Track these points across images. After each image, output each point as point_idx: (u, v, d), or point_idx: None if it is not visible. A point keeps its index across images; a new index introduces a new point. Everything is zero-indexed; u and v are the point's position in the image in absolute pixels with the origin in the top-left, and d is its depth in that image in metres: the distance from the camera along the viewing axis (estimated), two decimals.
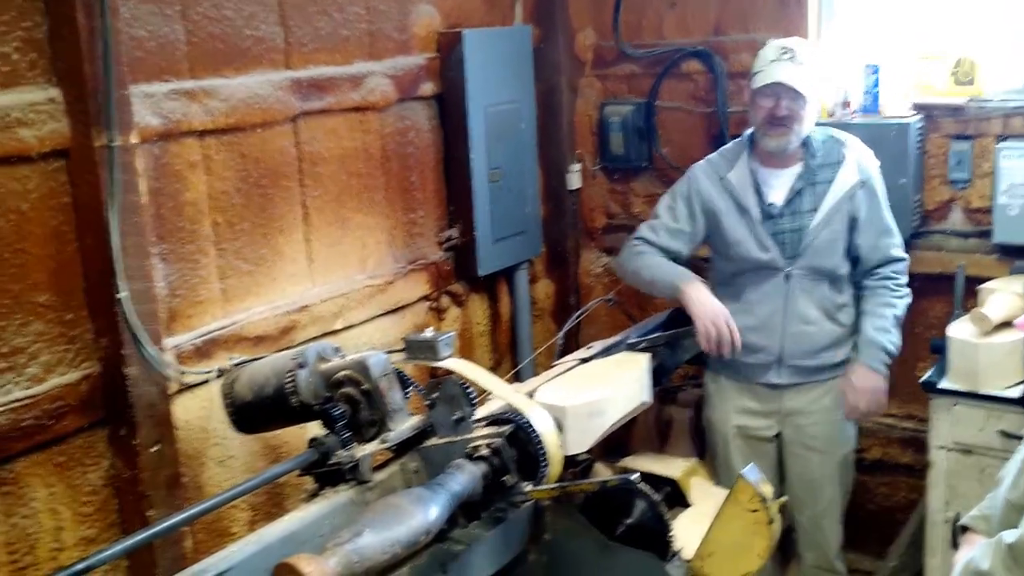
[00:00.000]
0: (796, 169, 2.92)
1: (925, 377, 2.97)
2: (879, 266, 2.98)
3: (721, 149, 3.12)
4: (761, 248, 2.93)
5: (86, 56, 2.26)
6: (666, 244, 3.05)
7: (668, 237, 3.05)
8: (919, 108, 3.32)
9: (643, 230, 3.10)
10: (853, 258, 2.98)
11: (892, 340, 2.92)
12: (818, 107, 2.99)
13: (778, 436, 3.09)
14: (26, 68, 2.25)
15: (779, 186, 2.93)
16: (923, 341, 3.31)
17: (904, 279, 2.99)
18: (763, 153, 2.94)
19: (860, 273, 3.00)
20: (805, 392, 3.01)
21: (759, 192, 2.94)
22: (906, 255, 3.02)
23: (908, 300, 2.98)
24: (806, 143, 2.92)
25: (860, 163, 2.93)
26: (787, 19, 3.53)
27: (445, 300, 3.61)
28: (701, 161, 3.11)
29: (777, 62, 2.82)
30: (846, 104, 3.37)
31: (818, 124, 3.00)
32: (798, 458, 3.07)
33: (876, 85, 3.32)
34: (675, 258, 3.04)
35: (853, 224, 2.93)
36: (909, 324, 3.13)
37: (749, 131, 3.02)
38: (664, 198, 3.12)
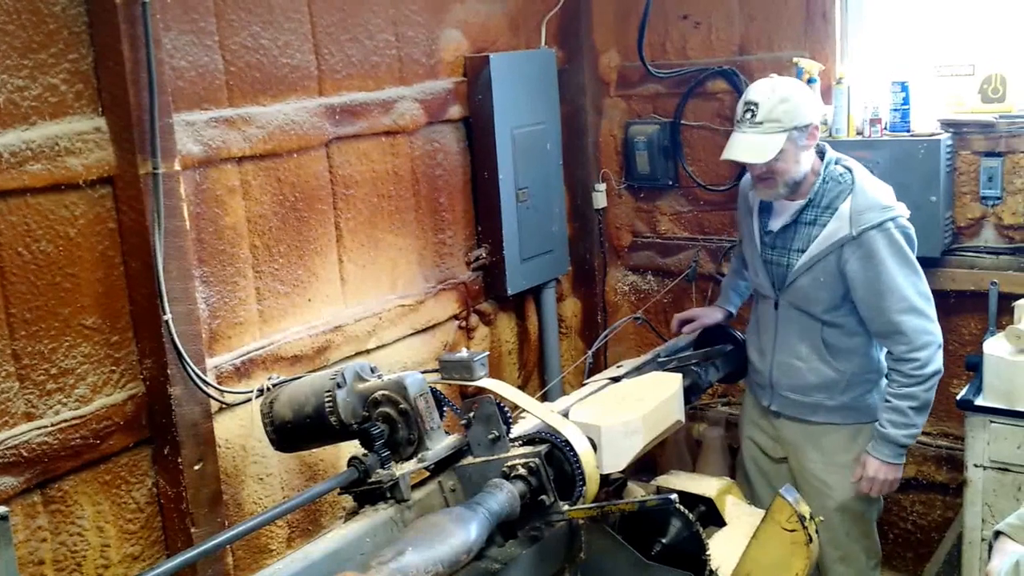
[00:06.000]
0: (802, 203, 2.78)
1: (961, 395, 2.93)
2: (890, 338, 2.71)
3: None
4: (754, 271, 2.95)
5: (131, 86, 2.33)
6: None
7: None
8: (948, 125, 3.32)
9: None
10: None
11: (910, 433, 2.73)
12: (809, 142, 2.70)
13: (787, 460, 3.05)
14: (73, 99, 2.32)
15: (783, 214, 2.82)
16: (958, 358, 3.31)
17: (926, 362, 2.67)
18: None
19: (875, 335, 2.78)
20: (802, 428, 2.93)
21: (764, 215, 2.90)
22: (934, 333, 2.69)
23: (933, 383, 2.70)
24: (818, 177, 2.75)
25: (858, 217, 2.66)
26: (813, 37, 3.56)
27: (474, 319, 3.65)
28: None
29: (740, 124, 2.67)
30: (875, 122, 3.36)
31: (848, 147, 2.85)
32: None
33: (905, 102, 3.31)
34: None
35: (846, 279, 2.72)
36: (943, 341, 3.07)
37: None
38: None
